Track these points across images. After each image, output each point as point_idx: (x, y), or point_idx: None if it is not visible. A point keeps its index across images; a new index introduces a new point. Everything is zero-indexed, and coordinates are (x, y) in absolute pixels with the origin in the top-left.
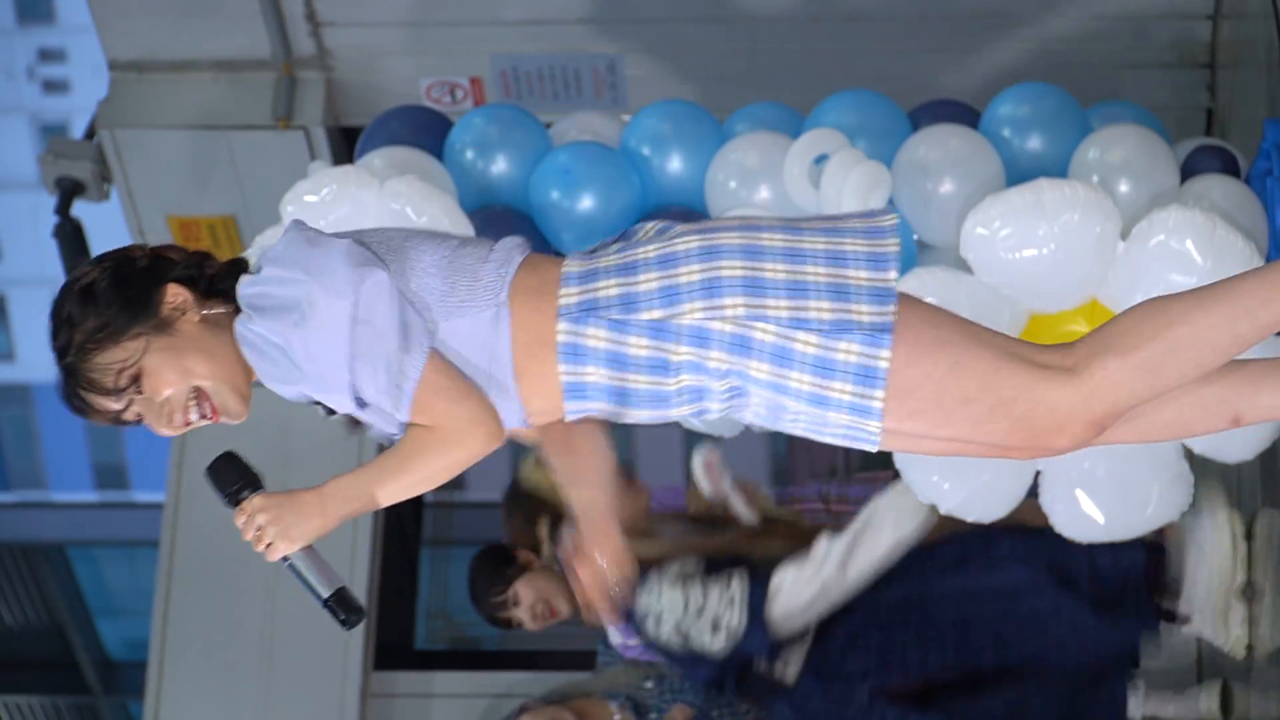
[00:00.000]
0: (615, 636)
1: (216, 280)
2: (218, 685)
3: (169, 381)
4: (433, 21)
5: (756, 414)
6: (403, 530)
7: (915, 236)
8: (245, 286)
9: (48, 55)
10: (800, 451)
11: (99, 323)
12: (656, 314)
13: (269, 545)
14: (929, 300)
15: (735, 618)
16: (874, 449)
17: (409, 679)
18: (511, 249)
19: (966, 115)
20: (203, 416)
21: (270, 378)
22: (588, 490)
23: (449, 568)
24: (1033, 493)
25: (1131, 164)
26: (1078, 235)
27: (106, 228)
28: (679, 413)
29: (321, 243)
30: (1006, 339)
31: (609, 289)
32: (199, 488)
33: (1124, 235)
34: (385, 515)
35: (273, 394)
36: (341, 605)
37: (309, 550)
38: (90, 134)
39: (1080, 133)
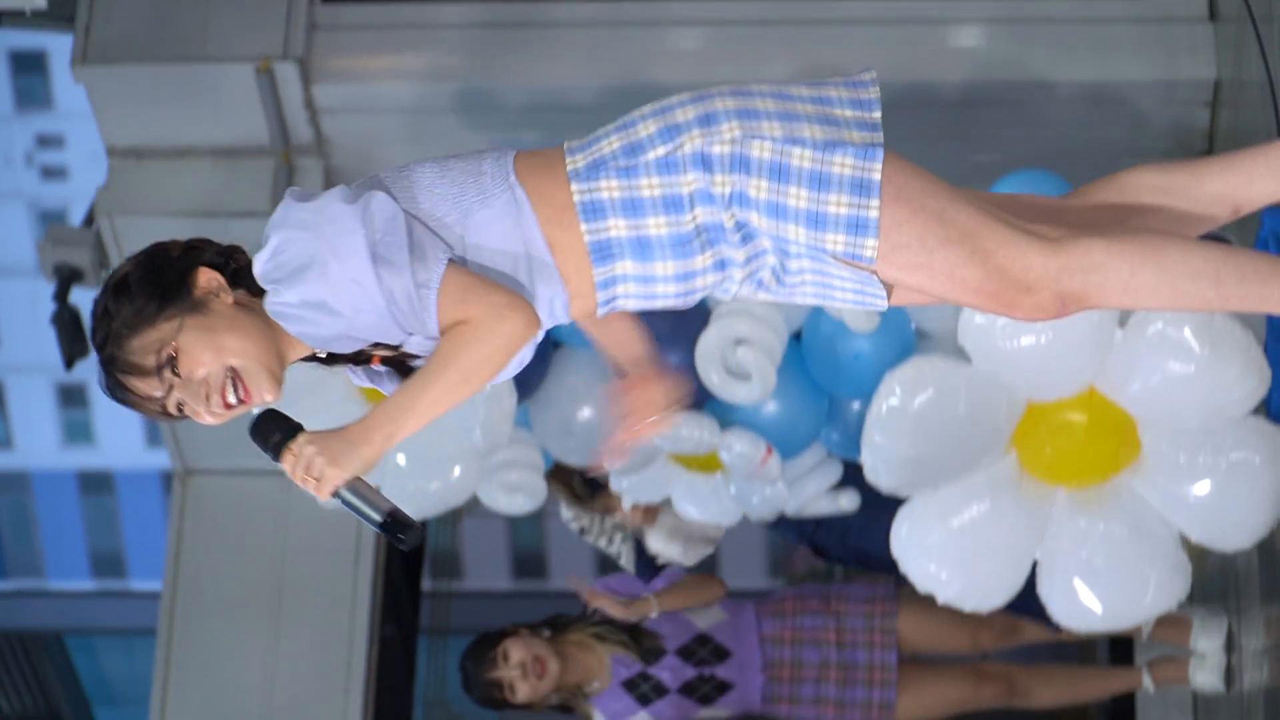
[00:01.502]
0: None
1: (246, 271)
2: None
3: (204, 360)
4: (431, 109)
5: (770, 271)
6: (400, 619)
7: (913, 325)
8: (258, 265)
9: (46, 141)
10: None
11: (134, 308)
12: (660, 151)
13: (319, 480)
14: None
15: None
16: (871, 265)
17: None
18: (502, 145)
19: None
20: (239, 399)
21: (319, 340)
22: (630, 352)
23: (447, 657)
24: (1031, 581)
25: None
26: (1076, 324)
27: None
28: (702, 265)
29: (312, 196)
30: (997, 203)
31: (611, 144)
32: (197, 576)
33: (1122, 323)
34: (383, 603)
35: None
36: (398, 526)
37: (358, 481)
38: (89, 220)
39: None
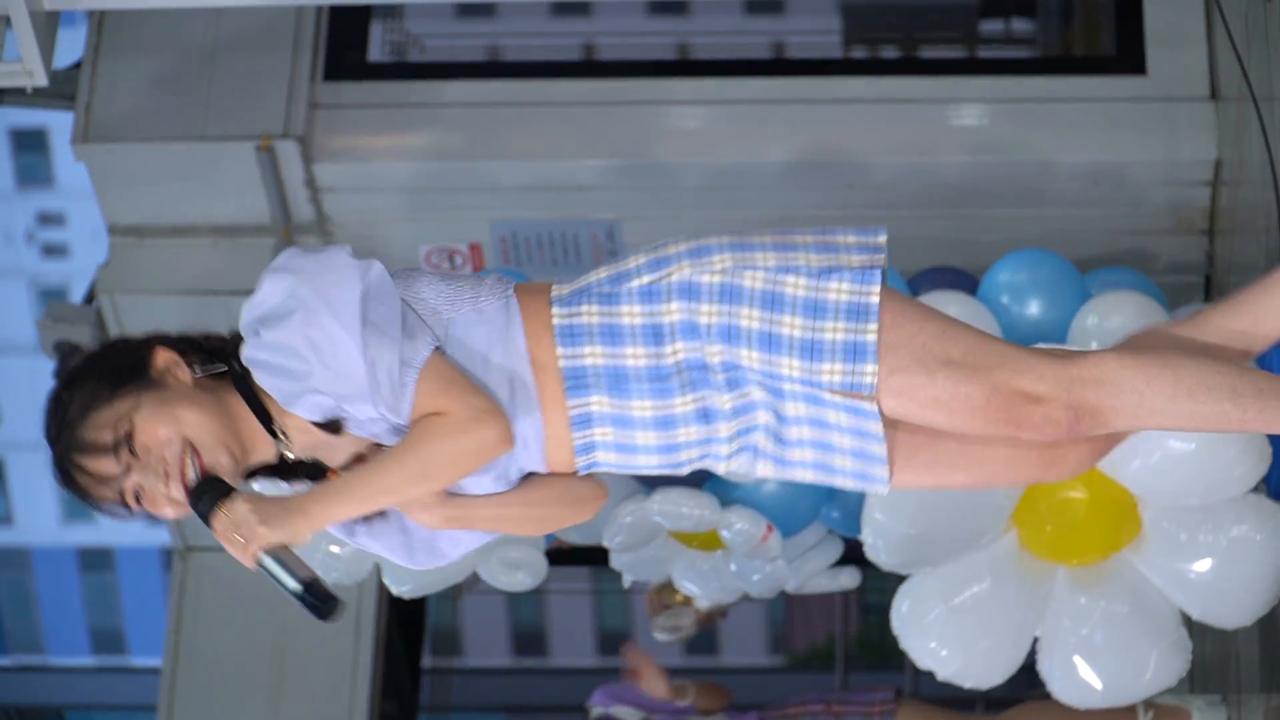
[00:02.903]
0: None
1: (213, 348)
2: None
3: (161, 434)
4: (431, 188)
5: (764, 432)
6: (400, 696)
7: None
8: (245, 312)
9: (47, 219)
10: (798, 616)
11: (88, 391)
12: (645, 279)
13: (247, 540)
14: None
15: None
16: (871, 394)
17: None
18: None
19: (965, 281)
20: (197, 473)
21: (286, 394)
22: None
23: None
24: (1031, 659)
25: (1130, 330)
26: None
27: None
28: (683, 411)
29: (315, 249)
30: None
31: (599, 275)
32: (197, 652)
33: None
34: (383, 680)
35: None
36: (316, 597)
37: (285, 550)
38: (90, 298)
39: (1079, 299)
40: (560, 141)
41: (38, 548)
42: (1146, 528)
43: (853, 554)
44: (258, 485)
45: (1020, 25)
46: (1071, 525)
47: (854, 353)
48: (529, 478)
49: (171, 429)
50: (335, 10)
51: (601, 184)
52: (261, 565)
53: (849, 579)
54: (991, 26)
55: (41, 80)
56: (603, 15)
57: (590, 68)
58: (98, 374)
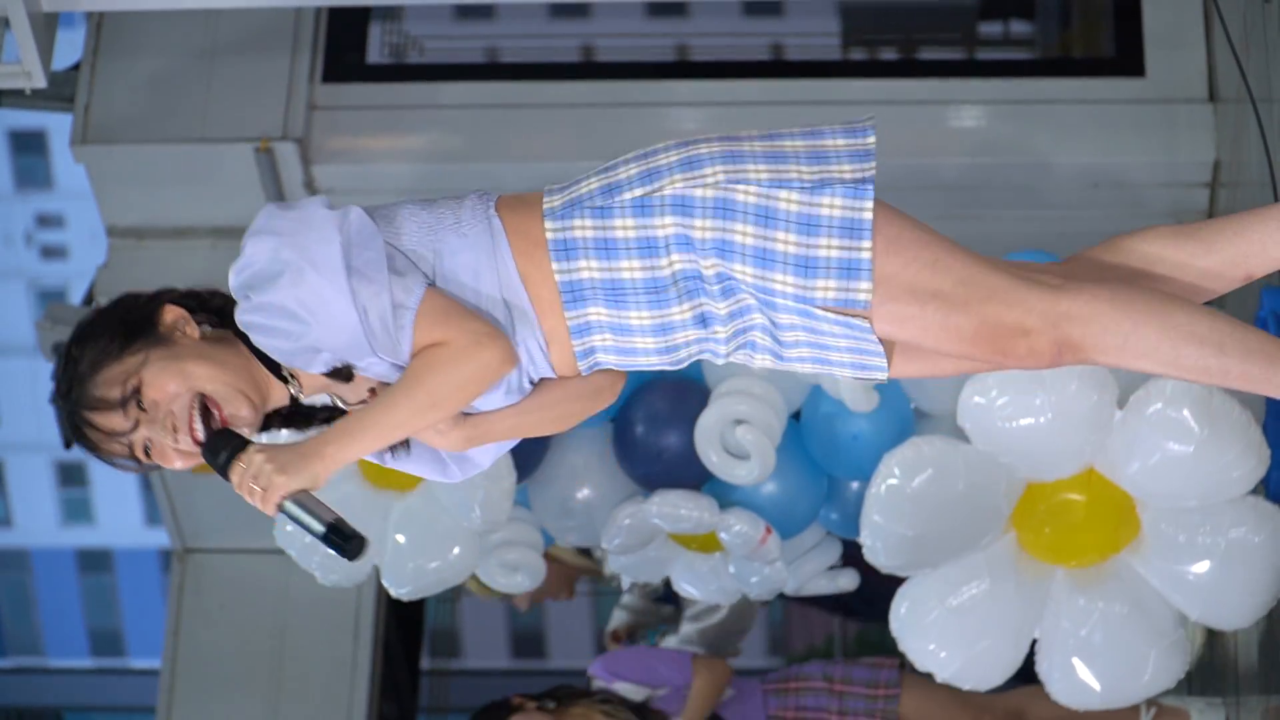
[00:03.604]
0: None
1: (218, 306)
2: None
3: (170, 390)
4: (431, 189)
5: (762, 330)
6: (399, 698)
7: (913, 405)
8: (232, 276)
9: (46, 221)
10: (797, 619)
11: (98, 348)
12: (638, 192)
13: (266, 489)
14: None
15: None
16: (866, 311)
17: None
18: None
19: None
20: (208, 426)
21: (285, 353)
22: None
23: None
24: (1029, 662)
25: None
26: (1075, 404)
27: None
28: (681, 318)
29: (292, 205)
30: (991, 257)
31: (590, 185)
32: (196, 654)
33: (1121, 404)
34: (382, 682)
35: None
36: (340, 536)
37: (305, 494)
38: (89, 300)
39: None
40: (560, 143)
41: (36, 549)
42: (1145, 529)
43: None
44: (285, 435)
45: (1019, 27)
46: (1070, 527)
47: (848, 270)
48: (542, 383)
49: (180, 383)
50: (334, 12)
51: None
52: (284, 511)
53: (847, 581)
54: (990, 28)
55: (40, 82)
56: (602, 17)
57: (589, 69)
58: (107, 331)
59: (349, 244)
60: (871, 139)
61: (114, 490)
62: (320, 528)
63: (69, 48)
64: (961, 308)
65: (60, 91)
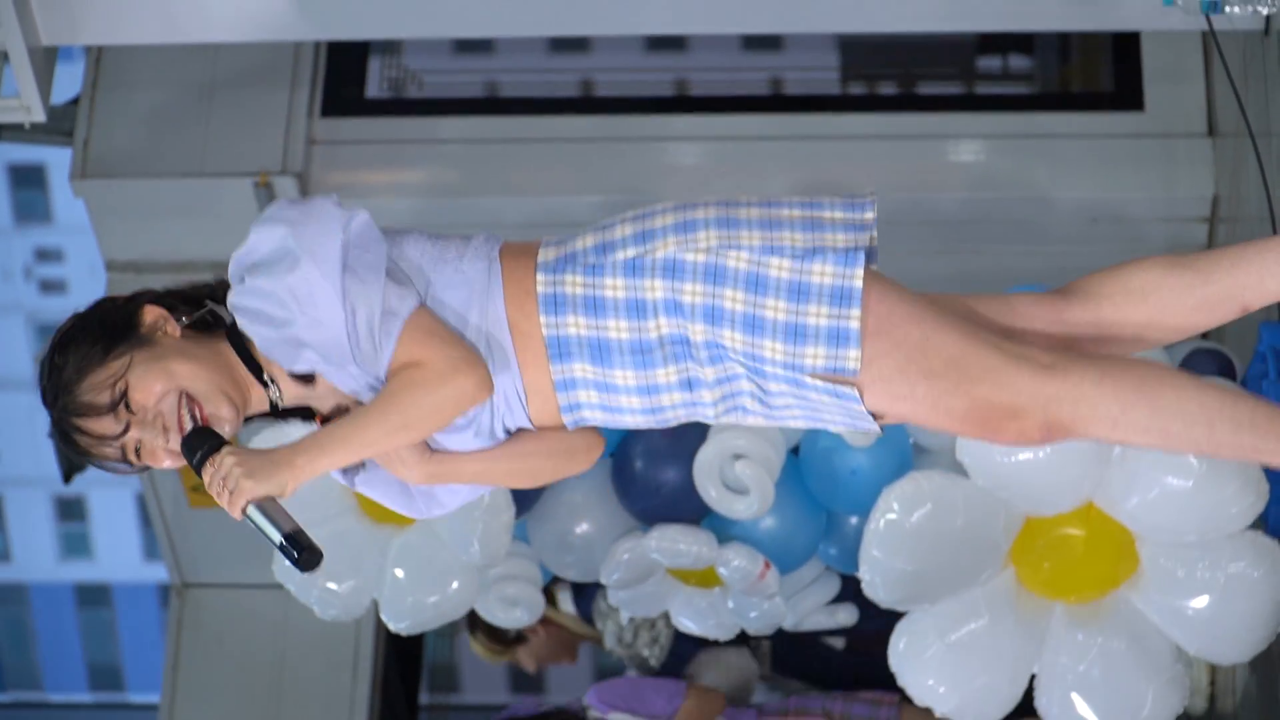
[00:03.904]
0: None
1: (197, 298)
2: None
3: (156, 390)
4: (429, 223)
5: (750, 396)
6: None
7: (911, 441)
8: (233, 261)
9: (45, 255)
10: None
11: (80, 354)
12: (630, 253)
13: (234, 492)
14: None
15: None
16: (854, 377)
17: None
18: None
19: None
20: (194, 422)
21: (268, 342)
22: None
23: None
24: (1028, 697)
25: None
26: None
27: None
28: (666, 380)
29: (302, 200)
30: (983, 320)
31: (585, 241)
32: (194, 689)
33: None
34: (381, 717)
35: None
36: (297, 546)
37: (271, 501)
38: None
39: None
40: (558, 177)
41: (35, 584)
42: (1144, 564)
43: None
44: (293, 429)
45: (1018, 61)
46: (1069, 562)
47: (837, 338)
48: (519, 433)
49: (166, 383)
50: (333, 46)
51: (600, 220)
52: (248, 516)
53: (846, 616)
54: (989, 63)
55: (39, 116)
56: (601, 51)
57: (588, 104)
58: (89, 335)
59: (349, 243)
60: (870, 214)
61: (113, 525)
62: (278, 536)
63: (68, 81)
64: (952, 390)
65: (59, 125)
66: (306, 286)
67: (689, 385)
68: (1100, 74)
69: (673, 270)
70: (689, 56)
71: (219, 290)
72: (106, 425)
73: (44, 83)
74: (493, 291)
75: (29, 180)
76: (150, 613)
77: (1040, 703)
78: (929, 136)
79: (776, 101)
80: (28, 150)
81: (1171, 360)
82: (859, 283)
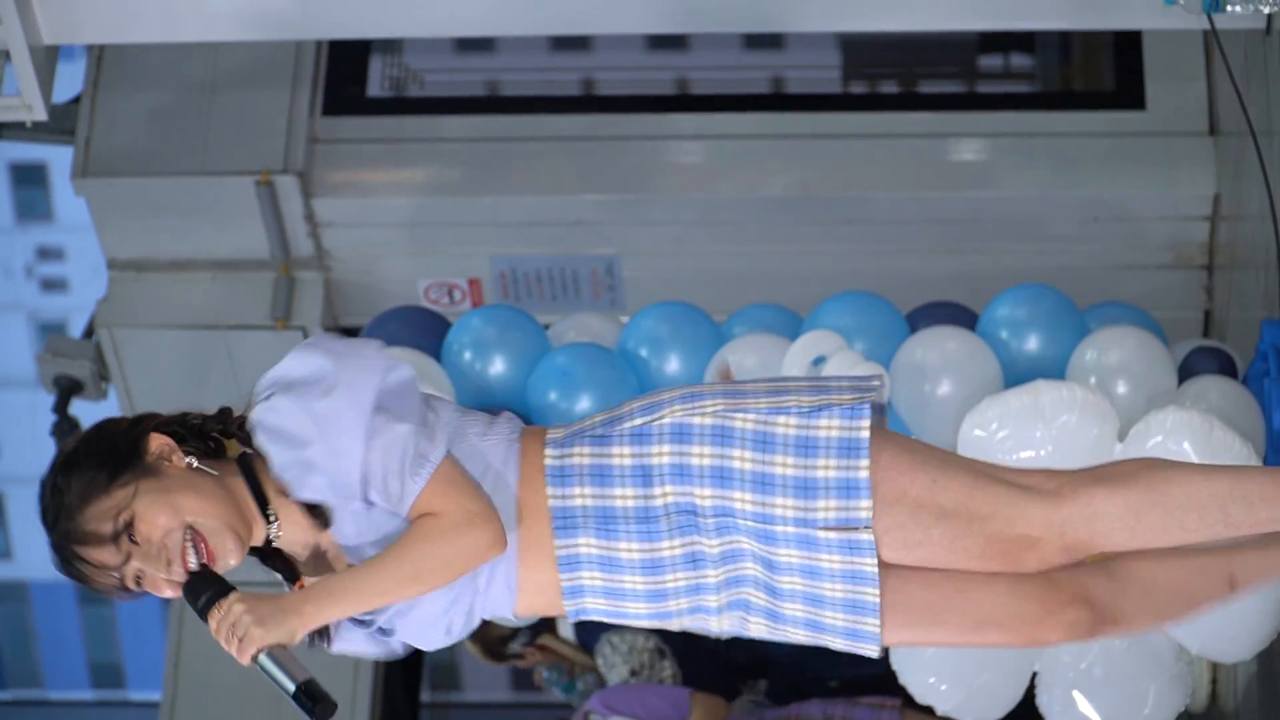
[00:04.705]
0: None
1: (203, 429)
2: None
3: (161, 523)
4: (431, 223)
5: (754, 583)
6: None
7: (913, 438)
8: (266, 377)
9: (46, 254)
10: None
11: (85, 480)
12: (638, 422)
13: (243, 641)
14: None
15: None
16: (867, 527)
17: None
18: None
19: (964, 317)
20: (200, 561)
21: (280, 462)
22: None
23: None
24: (1029, 695)
25: (1129, 365)
26: (1075, 437)
27: None
28: (670, 554)
29: (346, 339)
30: (986, 464)
31: (594, 419)
32: (195, 686)
33: (1121, 436)
34: (382, 714)
35: None
36: (311, 698)
37: (280, 648)
38: (89, 333)
39: (1078, 334)
40: (560, 176)
41: (36, 582)
42: None
43: None
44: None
45: (1019, 60)
46: None
47: (847, 489)
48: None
49: (172, 517)
50: (334, 45)
51: (601, 219)
52: (258, 664)
53: None
54: (991, 61)
55: (41, 115)
56: (602, 50)
57: (590, 102)
58: (94, 461)
59: (389, 388)
60: (876, 383)
61: None
62: (291, 686)
63: (69, 80)
64: (965, 529)
65: (61, 124)
66: (335, 415)
67: (693, 561)
68: (1102, 73)
69: (680, 434)
70: (690, 55)
71: (234, 422)
72: (108, 555)
73: (45, 81)
74: (508, 470)
75: (30, 179)
76: (151, 610)
77: (1042, 701)
78: (930, 135)
79: (778, 100)
80: (29, 149)
81: (1172, 359)
82: (865, 433)
